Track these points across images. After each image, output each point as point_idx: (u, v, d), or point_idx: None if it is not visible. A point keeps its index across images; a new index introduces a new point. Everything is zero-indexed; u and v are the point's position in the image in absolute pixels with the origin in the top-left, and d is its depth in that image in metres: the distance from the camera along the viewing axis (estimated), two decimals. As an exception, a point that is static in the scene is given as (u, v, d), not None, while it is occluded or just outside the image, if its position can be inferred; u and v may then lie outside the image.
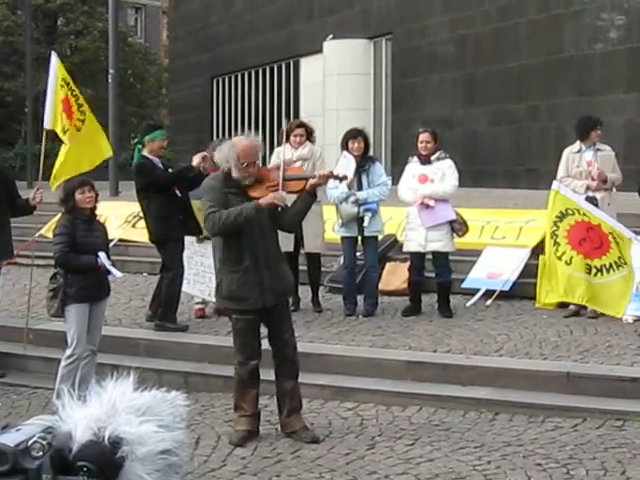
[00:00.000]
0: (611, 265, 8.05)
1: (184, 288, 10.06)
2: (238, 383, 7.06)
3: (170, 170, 9.99)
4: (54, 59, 9.96)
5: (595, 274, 7.96)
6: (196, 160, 9.52)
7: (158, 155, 9.87)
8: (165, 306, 9.71)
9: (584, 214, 8.13)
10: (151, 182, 9.61)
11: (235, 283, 6.85)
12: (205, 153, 9.78)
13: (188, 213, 9.83)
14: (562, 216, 8.10)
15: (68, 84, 9.96)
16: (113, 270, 7.88)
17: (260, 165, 6.96)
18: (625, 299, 8.13)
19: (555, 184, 8.26)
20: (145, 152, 9.77)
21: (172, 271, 9.68)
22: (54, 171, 9.93)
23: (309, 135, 10.74)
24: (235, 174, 6.75)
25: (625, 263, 8.11)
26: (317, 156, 10.67)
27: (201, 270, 10.26)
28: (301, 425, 7.03)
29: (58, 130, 9.95)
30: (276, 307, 6.97)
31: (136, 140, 10.33)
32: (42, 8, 43.67)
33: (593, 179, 10.19)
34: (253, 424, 7.05)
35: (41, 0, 43.21)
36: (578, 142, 10.50)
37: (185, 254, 9.93)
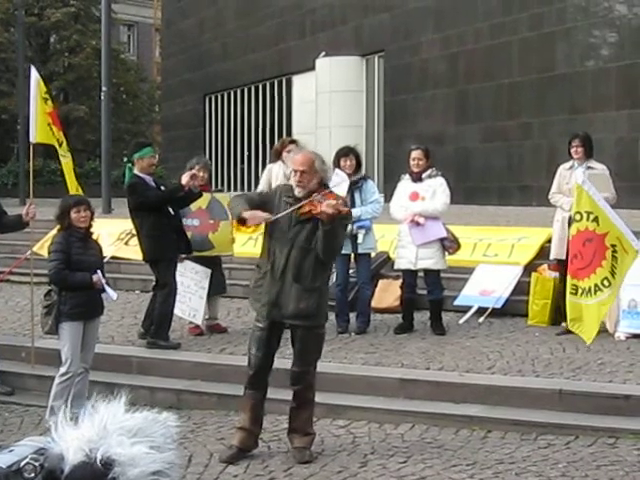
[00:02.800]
0: (590, 289, 7.95)
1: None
2: (243, 389, 7.15)
3: (162, 188, 9.97)
4: (34, 73, 9.96)
5: (581, 295, 7.88)
6: (185, 179, 9.51)
7: (149, 172, 9.86)
8: (158, 324, 9.70)
9: (594, 220, 7.99)
10: (143, 202, 9.60)
11: (254, 282, 7.14)
12: (194, 171, 9.78)
13: (180, 231, 9.83)
14: (570, 222, 8.04)
15: (47, 100, 9.96)
16: (109, 290, 7.91)
17: (318, 182, 6.98)
18: (597, 325, 8.04)
19: (579, 179, 8.23)
20: (136, 170, 9.77)
21: (166, 289, 9.66)
22: (70, 184, 10.00)
23: None
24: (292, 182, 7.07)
25: (608, 285, 8.00)
26: None
27: (181, 290, 10.14)
28: (298, 445, 7.04)
29: (53, 142, 9.97)
30: (295, 331, 7.00)
31: (126, 159, 10.33)
32: (35, 26, 43.74)
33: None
34: (245, 442, 7.05)
35: (34, 18, 43.29)
36: (571, 159, 10.59)
37: None
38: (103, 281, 7.83)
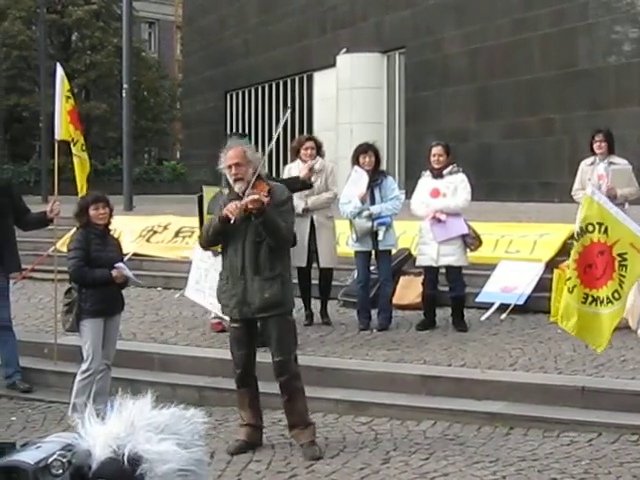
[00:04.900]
0: (603, 299, 7.95)
1: (199, 300, 10.08)
2: (236, 389, 7.29)
3: None
4: (60, 71, 9.99)
5: (590, 303, 7.88)
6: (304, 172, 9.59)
7: None
8: None
9: (605, 231, 7.99)
10: None
11: (219, 290, 7.21)
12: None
13: None
14: (582, 233, 8.00)
15: (68, 98, 9.97)
16: (133, 277, 8.03)
17: (254, 176, 6.94)
18: (608, 335, 8.04)
19: (589, 189, 8.22)
20: None
21: None
22: (78, 183, 9.97)
23: (318, 149, 10.68)
24: (229, 180, 7.08)
25: (619, 298, 7.99)
26: (329, 171, 10.66)
27: (214, 284, 10.20)
28: (305, 440, 7.05)
29: (69, 140, 9.98)
30: (266, 323, 7.04)
31: None
32: (57, 24, 43.93)
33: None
34: (250, 435, 7.17)
35: (56, 16, 43.45)
36: (593, 155, 10.56)
37: (203, 266, 9.94)
38: (125, 271, 7.89)
